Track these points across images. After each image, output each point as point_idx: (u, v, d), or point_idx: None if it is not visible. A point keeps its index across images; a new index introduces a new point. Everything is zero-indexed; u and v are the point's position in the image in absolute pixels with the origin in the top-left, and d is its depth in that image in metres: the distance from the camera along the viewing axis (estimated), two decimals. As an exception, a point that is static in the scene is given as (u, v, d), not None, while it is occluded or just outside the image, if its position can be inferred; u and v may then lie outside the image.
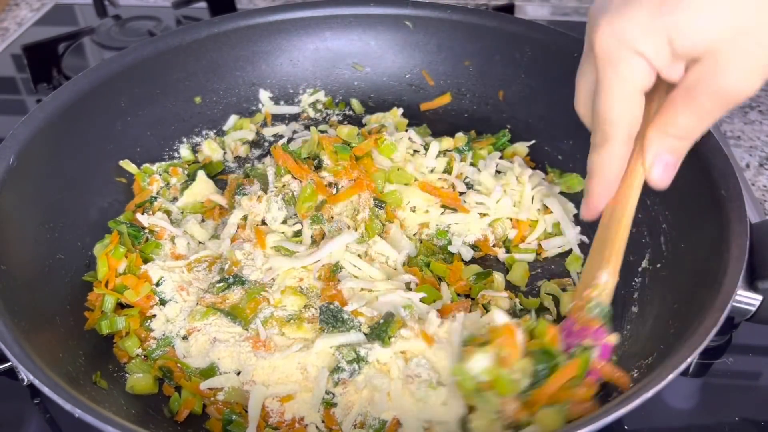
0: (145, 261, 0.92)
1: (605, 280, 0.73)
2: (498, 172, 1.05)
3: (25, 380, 0.66)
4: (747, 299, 0.76)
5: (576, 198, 1.04)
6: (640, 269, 0.91)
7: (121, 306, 0.88)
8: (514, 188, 1.00)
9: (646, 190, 0.94)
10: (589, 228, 1.01)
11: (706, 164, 0.84)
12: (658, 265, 0.89)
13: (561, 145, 1.10)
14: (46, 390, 0.63)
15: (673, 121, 0.65)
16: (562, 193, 1.04)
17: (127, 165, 1.04)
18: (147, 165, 1.06)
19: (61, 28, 1.49)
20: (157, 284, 0.88)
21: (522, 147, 1.11)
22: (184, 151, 1.12)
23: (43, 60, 1.36)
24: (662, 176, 0.69)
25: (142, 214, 0.98)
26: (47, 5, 1.68)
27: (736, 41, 0.58)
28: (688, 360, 0.64)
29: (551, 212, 1.00)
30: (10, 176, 0.84)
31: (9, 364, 0.69)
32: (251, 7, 1.65)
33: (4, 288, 0.75)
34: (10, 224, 0.83)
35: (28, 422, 0.83)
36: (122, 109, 1.05)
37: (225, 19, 1.14)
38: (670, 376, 0.63)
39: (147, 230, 0.96)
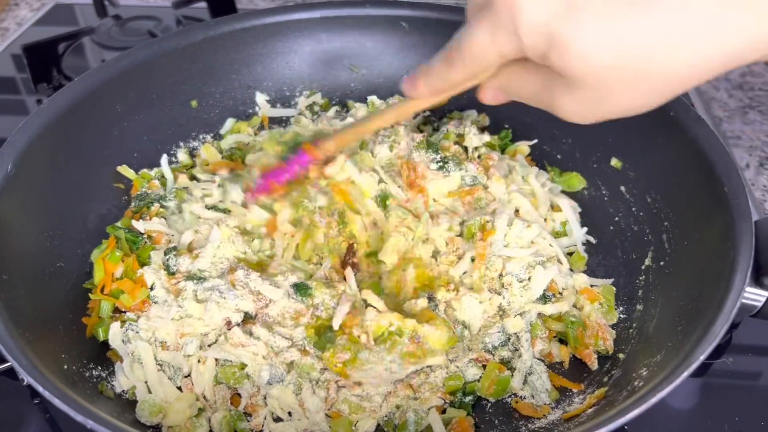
0: (143, 265, 0.91)
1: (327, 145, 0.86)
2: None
3: (25, 380, 0.66)
4: (753, 295, 0.77)
5: (576, 197, 1.04)
6: (643, 267, 0.92)
7: (120, 312, 0.87)
8: (521, 187, 1.00)
9: (650, 186, 0.95)
10: (595, 229, 1.01)
11: (707, 161, 0.84)
12: (662, 263, 0.89)
13: (560, 144, 1.10)
14: (57, 402, 0.63)
15: (520, 86, 0.65)
16: (563, 191, 1.04)
17: (126, 170, 1.03)
18: (145, 170, 1.05)
19: (61, 28, 1.48)
20: (151, 288, 0.87)
21: (524, 146, 1.11)
22: (182, 156, 1.11)
23: (43, 60, 1.36)
24: (485, 99, 0.70)
25: (139, 220, 0.96)
26: (47, 5, 1.67)
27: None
28: (701, 358, 0.65)
29: (559, 211, 1.00)
30: (8, 185, 0.84)
31: (9, 364, 0.69)
32: (251, 7, 1.65)
33: (7, 298, 0.74)
34: (10, 233, 0.82)
35: (28, 422, 0.83)
36: (118, 114, 1.04)
37: (220, 21, 1.14)
38: (684, 374, 0.64)
39: (145, 235, 0.95)
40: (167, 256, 0.89)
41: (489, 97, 0.69)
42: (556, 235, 0.98)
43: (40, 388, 0.64)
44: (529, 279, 0.87)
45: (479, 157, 1.03)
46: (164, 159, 1.08)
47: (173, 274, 0.87)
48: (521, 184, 1.00)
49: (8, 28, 1.62)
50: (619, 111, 0.59)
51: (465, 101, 1.19)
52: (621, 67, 0.54)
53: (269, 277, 0.85)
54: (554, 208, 1.01)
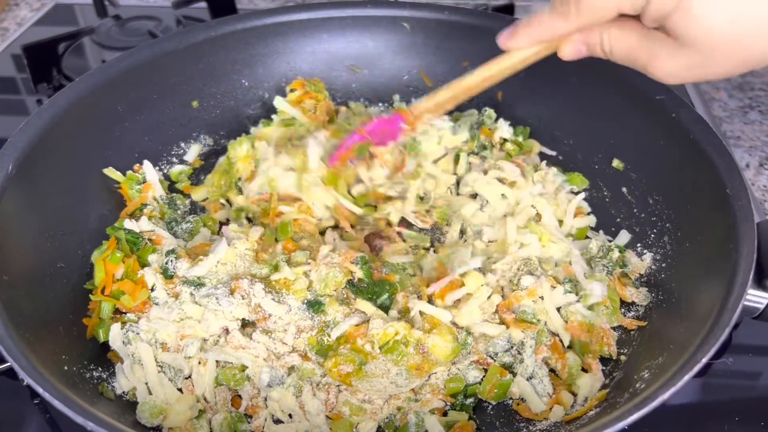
0: (144, 266, 0.90)
1: (417, 104, 0.87)
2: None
3: (25, 381, 0.66)
4: (755, 297, 0.77)
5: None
6: (645, 269, 0.92)
7: (120, 313, 0.87)
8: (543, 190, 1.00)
9: (651, 187, 0.95)
10: (596, 230, 1.01)
11: (709, 163, 0.84)
12: (664, 265, 0.89)
13: (561, 145, 1.10)
14: (57, 404, 0.63)
15: (617, 44, 0.69)
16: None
17: (112, 173, 1.01)
18: (131, 172, 1.03)
19: (61, 28, 1.48)
20: (152, 289, 0.87)
21: (536, 143, 1.11)
22: (192, 154, 1.12)
23: (43, 60, 1.36)
24: (569, 53, 0.74)
25: (130, 220, 0.95)
26: (47, 5, 1.67)
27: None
28: (704, 360, 0.65)
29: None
30: (9, 185, 0.84)
31: (8, 364, 0.69)
32: (251, 7, 1.65)
33: (7, 299, 0.74)
34: (11, 233, 0.82)
35: (28, 422, 0.83)
36: (120, 115, 1.04)
37: (222, 22, 1.13)
38: (687, 377, 0.64)
39: (146, 237, 0.94)
40: (167, 258, 0.88)
41: (570, 52, 0.73)
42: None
43: (40, 390, 0.64)
44: (542, 298, 0.86)
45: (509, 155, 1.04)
46: (148, 166, 1.05)
47: (171, 277, 0.87)
48: (542, 186, 1.00)
49: (8, 28, 1.62)
50: (711, 75, 0.65)
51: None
52: (733, 36, 0.60)
53: (275, 291, 0.84)
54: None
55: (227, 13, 1.44)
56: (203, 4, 1.53)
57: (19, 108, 1.38)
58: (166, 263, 0.88)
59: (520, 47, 0.75)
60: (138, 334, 0.82)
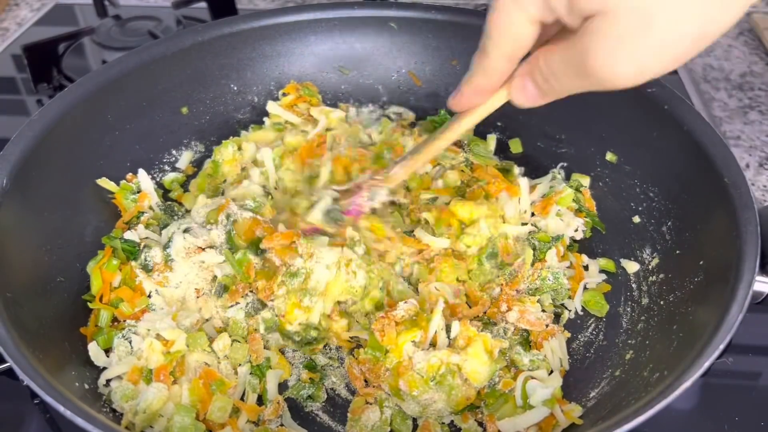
0: None
1: (395, 173, 0.84)
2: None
3: (25, 380, 0.66)
4: (758, 283, 0.77)
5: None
6: (646, 260, 0.93)
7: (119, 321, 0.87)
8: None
9: (646, 179, 0.96)
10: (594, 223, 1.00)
11: (705, 153, 0.85)
12: (665, 255, 0.90)
13: (553, 141, 1.10)
14: (80, 421, 0.62)
15: (547, 65, 0.61)
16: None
17: (106, 183, 1.00)
18: (124, 182, 1.02)
19: (61, 28, 1.48)
20: (149, 296, 0.88)
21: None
22: (184, 161, 1.11)
23: (43, 60, 1.36)
24: (518, 97, 0.66)
25: (128, 230, 0.95)
26: (47, 5, 1.66)
27: (623, 16, 0.52)
28: (721, 347, 0.66)
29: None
30: (5, 199, 0.82)
31: (8, 364, 0.67)
32: (251, 7, 1.63)
33: (15, 318, 0.73)
34: (10, 249, 0.81)
35: (28, 422, 0.82)
36: (110, 124, 1.02)
37: (208, 27, 1.12)
38: (707, 364, 0.65)
39: (142, 244, 0.92)
40: (143, 254, 0.90)
41: (518, 93, 0.66)
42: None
43: (61, 408, 0.63)
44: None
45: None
46: (143, 175, 1.03)
47: (150, 271, 0.88)
48: None
49: (8, 28, 1.61)
50: (671, 41, 0.53)
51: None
52: None
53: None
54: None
55: (227, 13, 1.44)
56: (203, 4, 1.52)
57: (19, 108, 1.37)
58: (144, 261, 0.89)
59: (466, 104, 0.70)
60: (135, 333, 0.83)
